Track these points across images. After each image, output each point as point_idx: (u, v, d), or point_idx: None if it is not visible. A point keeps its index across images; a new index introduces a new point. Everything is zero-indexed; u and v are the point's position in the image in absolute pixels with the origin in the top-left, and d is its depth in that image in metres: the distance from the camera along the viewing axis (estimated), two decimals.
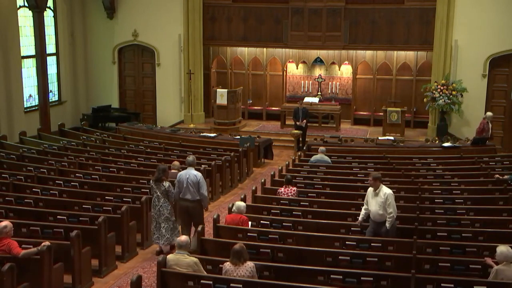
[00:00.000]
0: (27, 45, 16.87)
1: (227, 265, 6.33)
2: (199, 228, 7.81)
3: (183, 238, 6.66)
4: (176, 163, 10.69)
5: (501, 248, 6.23)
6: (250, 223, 8.27)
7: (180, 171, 9.22)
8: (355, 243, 7.53)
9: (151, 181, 8.76)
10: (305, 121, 15.93)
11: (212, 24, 18.57)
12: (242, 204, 8.25)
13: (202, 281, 6.23)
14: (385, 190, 7.88)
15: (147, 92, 19.78)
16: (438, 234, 8.02)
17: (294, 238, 7.82)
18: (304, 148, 14.51)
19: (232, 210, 8.27)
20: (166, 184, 8.58)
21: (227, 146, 14.11)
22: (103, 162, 12.35)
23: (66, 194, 9.77)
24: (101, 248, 7.99)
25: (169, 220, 8.65)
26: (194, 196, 8.63)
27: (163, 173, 8.54)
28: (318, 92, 18.95)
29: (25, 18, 16.80)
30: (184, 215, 8.78)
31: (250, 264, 6.33)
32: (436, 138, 15.28)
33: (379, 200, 7.84)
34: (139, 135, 15.87)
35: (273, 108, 19.21)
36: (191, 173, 8.68)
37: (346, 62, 18.65)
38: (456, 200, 9.64)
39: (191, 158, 9.05)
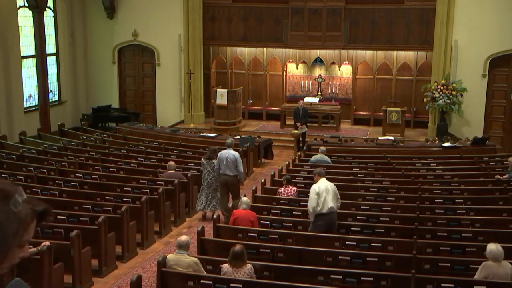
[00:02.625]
0: (27, 45, 16.87)
1: (225, 267, 6.31)
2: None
3: (183, 238, 6.66)
4: (172, 163, 10.92)
5: (491, 247, 6.25)
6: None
7: (176, 171, 10.64)
8: (355, 243, 7.53)
9: (202, 159, 10.53)
10: (304, 126, 15.87)
11: (212, 24, 18.57)
12: (248, 199, 8.38)
13: (202, 281, 6.23)
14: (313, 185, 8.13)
15: (147, 92, 19.78)
16: (438, 234, 8.02)
17: (294, 238, 7.82)
18: (304, 148, 14.51)
19: (241, 207, 8.27)
20: (216, 162, 10.20)
21: None
22: (103, 162, 12.35)
23: (66, 194, 9.77)
24: (101, 248, 7.99)
25: (217, 191, 10.26)
26: (232, 172, 10.07)
27: (214, 153, 10.36)
28: (318, 92, 18.95)
29: (25, 18, 16.81)
30: (224, 187, 10.20)
31: (248, 266, 6.32)
32: (436, 138, 15.27)
33: None
34: (139, 135, 15.88)
35: (273, 108, 19.20)
36: (230, 153, 10.15)
37: (346, 62, 18.65)
38: (456, 200, 9.64)
39: (229, 140, 10.67)
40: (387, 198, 9.73)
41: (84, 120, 17.82)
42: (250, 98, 19.56)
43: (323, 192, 7.94)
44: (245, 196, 8.72)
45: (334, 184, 10.64)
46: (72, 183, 10.38)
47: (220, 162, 10.11)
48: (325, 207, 7.90)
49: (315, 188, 7.98)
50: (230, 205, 8.98)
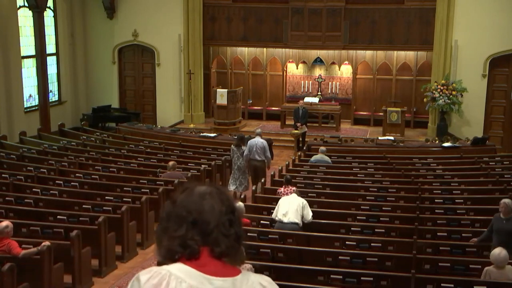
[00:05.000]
0: (27, 45, 16.87)
1: None
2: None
3: None
4: (171, 163, 11.08)
5: (495, 251, 6.21)
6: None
7: (175, 171, 10.85)
8: (355, 243, 7.54)
9: (232, 146, 11.80)
10: (304, 126, 15.88)
11: (212, 24, 18.56)
12: (242, 205, 8.27)
13: None
14: None
15: (147, 92, 19.77)
16: (438, 234, 8.03)
17: (294, 238, 7.82)
18: (304, 148, 14.51)
19: None
20: (244, 148, 11.56)
21: (227, 146, 14.07)
22: (103, 162, 12.35)
23: (66, 194, 9.77)
24: (101, 248, 8.00)
25: (245, 173, 11.59)
26: (260, 157, 11.46)
27: (241, 140, 11.69)
28: (318, 92, 18.94)
29: (25, 18, 16.80)
30: (253, 171, 11.64)
31: (247, 266, 6.30)
32: (436, 138, 15.27)
33: None
34: (139, 135, 15.86)
35: (273, 108, 19.19)
36: (259, 141, 11.58)
37: (346, 62, 18.64)
38: (456, 200, 9.65)
39: (259, 130, 12.63)
40: (387, 198, 9.73)
41: (84, 120, 17.81)
42: (250, 98, 19.55)
43: (281, 204, 8.14)
44: (240, 201, 8.67)
45: (336, 184, 10.70)
46: (72, 183, 10.38)
47: (250, 148, 11.49)
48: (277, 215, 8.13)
49: (280, 200, 8.27)
50: (254, 188, 10.42)
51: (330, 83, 19.06)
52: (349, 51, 18.30)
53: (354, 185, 10.71)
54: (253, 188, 10.30)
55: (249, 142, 11.61)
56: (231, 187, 11.49)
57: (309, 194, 10.00)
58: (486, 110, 16.93)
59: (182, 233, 1.79)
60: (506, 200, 7.09)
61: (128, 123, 17.17)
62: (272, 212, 8.95)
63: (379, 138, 15.23)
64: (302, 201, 8.14)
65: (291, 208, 8.00)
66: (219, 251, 1.80)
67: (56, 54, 18.53)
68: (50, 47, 17.99)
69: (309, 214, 8.10)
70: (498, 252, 6.14)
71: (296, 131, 15.90)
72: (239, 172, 11.51)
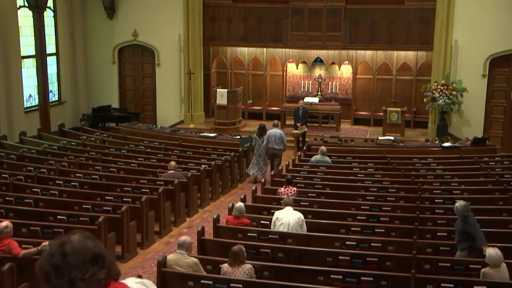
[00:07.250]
0: (27, 45, 16.87)
1: (225, 267, 6.32)
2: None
3: (183, 237, 6.66)
4: (172, 163, 11.05)
5: (489, 251, 6.18)
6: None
7: (176, 171, 10.83)
8: (355, 243, 7.53)
9: (254, 135, 13.56)
10: (304, 126, 15.91)
11: (212, 24, 18.57)
12: (242, 205, 8.27)
13: (202, 281, 6.24)
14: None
15: (147, 92, 19.77)
16: (438, 234, 8.03)
17: (294, 238, 7.82)
18: (304, 148, 14.51)
19: (234, 213, 8.24)
20: (265, 138, 12.97)
21: (227, 146, 14.12)
22: (103, 162, 12.34)
23: (66, 194, 9.76)
24: None
25: (265, 160, 13.20)
26: (278, 145, 12.90)
27: (262, 130, 13.29)
28: (318, 92, 18.94)
29: (25, 18, 16.81)
30: (271, 157, 13.09)
31: (247, 266, 6.31)
32: (436, 138, 15.27)
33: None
34: (139, 135, 15.87)
35: (273, 108, 19.20)
36: (277, 131, 13.00)
37: (346, 62, 18.64)
38: (456, 200, 9.62)
39: (276, 122, 13.75)
40: (387, 198, 9.73)
41: (84, 120, 17.80)
42: (250, 98, 19.55)
43: (280, 221, 7.96)
44: (241, 201, 8.66)
45: (336, 184, 10.70)
46: (72, 183, 10.37)
47: (269, 138, 12.83)
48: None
49: (276, 214, 8.08)
50: (272, 172, 11.63)
51: (330, 83, 19.07)
52: (349, 51, 18.31)
53: (354, 185, 10.70)
54: (272, 173, 11.60)
55: (268, 132, 13.00)
56: (251, 171, 13.17)
57: (309, 194, 10.01)
58: (486, 110, 16.94)
59: (92, 272, 1.98)
60: (456, 204, 7.15)
61: (128, 123, 17.17)
62: (273, 213, 8.98)
63: (379, 138, 15.23)
64: (300, 217, 7.93)
65: (290, 226, 7.88)
66: (114, 273, 2.06)
67: (56, 54, 18.54)
68: (50, 47, 17.99)
69: (305, 229, 8.02)
70: (494, 252, 6.14)
71: (296, 131, 15.90)
72: (260, 158, 13.12)
